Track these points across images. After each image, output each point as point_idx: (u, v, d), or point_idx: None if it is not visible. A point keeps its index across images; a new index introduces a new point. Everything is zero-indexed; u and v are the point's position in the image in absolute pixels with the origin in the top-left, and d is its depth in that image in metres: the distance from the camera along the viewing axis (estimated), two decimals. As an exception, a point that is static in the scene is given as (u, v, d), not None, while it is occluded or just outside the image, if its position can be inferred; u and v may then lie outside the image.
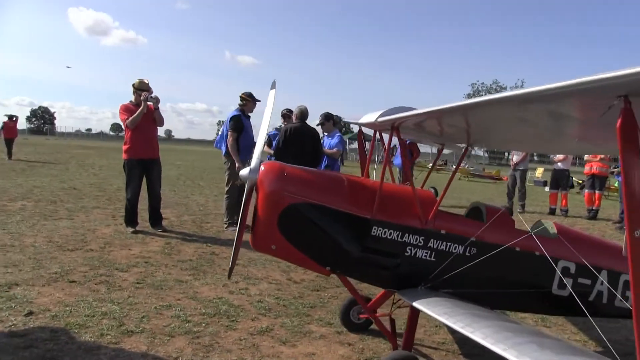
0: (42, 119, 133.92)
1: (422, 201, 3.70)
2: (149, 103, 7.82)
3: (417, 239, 3.61)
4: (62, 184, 14.11)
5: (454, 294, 3.57)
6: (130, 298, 4.88)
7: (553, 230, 4.03)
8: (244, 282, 5.71)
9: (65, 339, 3.86)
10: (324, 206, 3.52)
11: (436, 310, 3.13)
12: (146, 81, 8.03)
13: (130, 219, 8.06)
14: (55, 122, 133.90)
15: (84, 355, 3.61)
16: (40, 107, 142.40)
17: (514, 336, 2.67)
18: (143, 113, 7.74)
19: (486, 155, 70.71)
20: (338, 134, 9.25)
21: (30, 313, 4.32)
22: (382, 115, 3.85)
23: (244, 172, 3.55)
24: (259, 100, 8.56)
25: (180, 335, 4.10)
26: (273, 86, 4.05)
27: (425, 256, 3.63)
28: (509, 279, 3.80)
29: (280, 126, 10.03)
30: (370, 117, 4.09)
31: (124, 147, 7.99)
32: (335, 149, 9.01)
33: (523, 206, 14.74)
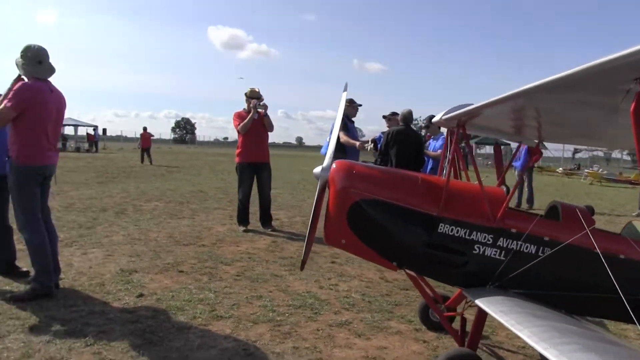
0: (185, 129, 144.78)
1: (492, 199, 3.64)
2: (259, 110, 8.37)
3: (485, 237, 3.55)
4: (192, 187, 15.40)
5: (525, 294, 3.47)
6: (227, 288, 5.31)
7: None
8: (336, 279, 5.92)
9: (164, 318, 4.35)
10: (391, 203, 3.59)
11: (493, 307, 3.07)
12: (257, 90, 8.60)
13: (242, 218, 8.66)
14: (196, 132, 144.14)
15: (175, 333, 4.05)
16: (183, 119, 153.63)
17: (560, 336, 2.57)
18: (253, 119, 8.31)
19: (628, 158, 64.57)
20: (443, 136, 9.16)
21: (141, 295, 4.91)
22: (446, 112, 3.85)
23: (317, 170, 3.73)
24: (360, 105, 8.78)
25: (264, 322, 4.41)
26: (345, 89, 4.21)
27: (494, 255, 3.55)
28: (587, 282, 3.59)
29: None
30: (439, 117, 4.10)
31: (237, 152, 8.64)
32: (439, 151, 8.94)
33: None
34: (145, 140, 29.17)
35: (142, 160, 27.33)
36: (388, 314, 4.84)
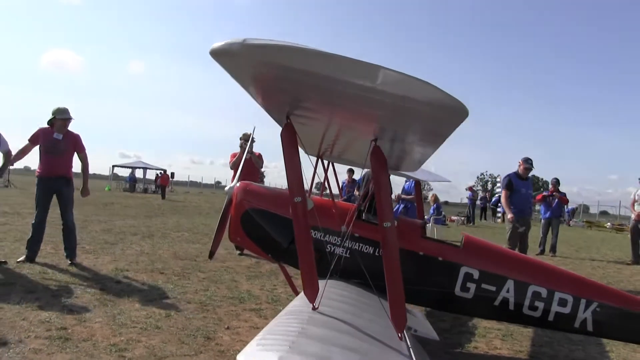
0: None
1: (343, 213, 5.05)
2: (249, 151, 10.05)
3: (335, 239, 4.97)
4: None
5: (361, 284, 4.78)
6: (187, 284, 6.92)
7: (462, 241, 5.00)
8: (280, 285, 7.34)
9: (125, 294, 6.01)
10: (268, 211, 5.12)
11: None
12: (248, 134, 10.33)
13: (240, 244, 10.25)
14: (264, 179, 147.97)
15: (126, 301, 5.69)
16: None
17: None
18: (240, 159, 10.01)
19: None
20: (413, 180, 10.49)
21: (118, 282, 6.63)
22: None
23: (226, 188, 5.37)
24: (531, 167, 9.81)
25: (195, 303, 5.95)
26: (253, 132, 5.85)
27: (342, 252, 4.94)
28: (412, 278, 4.84)
29: None
30: None
31: (232, 187, 10.33)
32: (412, 195, 10.29)
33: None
34: (164, 179, 38.54)
35: (163, 197, 34.14)
36: (298, 307, 6.21)
